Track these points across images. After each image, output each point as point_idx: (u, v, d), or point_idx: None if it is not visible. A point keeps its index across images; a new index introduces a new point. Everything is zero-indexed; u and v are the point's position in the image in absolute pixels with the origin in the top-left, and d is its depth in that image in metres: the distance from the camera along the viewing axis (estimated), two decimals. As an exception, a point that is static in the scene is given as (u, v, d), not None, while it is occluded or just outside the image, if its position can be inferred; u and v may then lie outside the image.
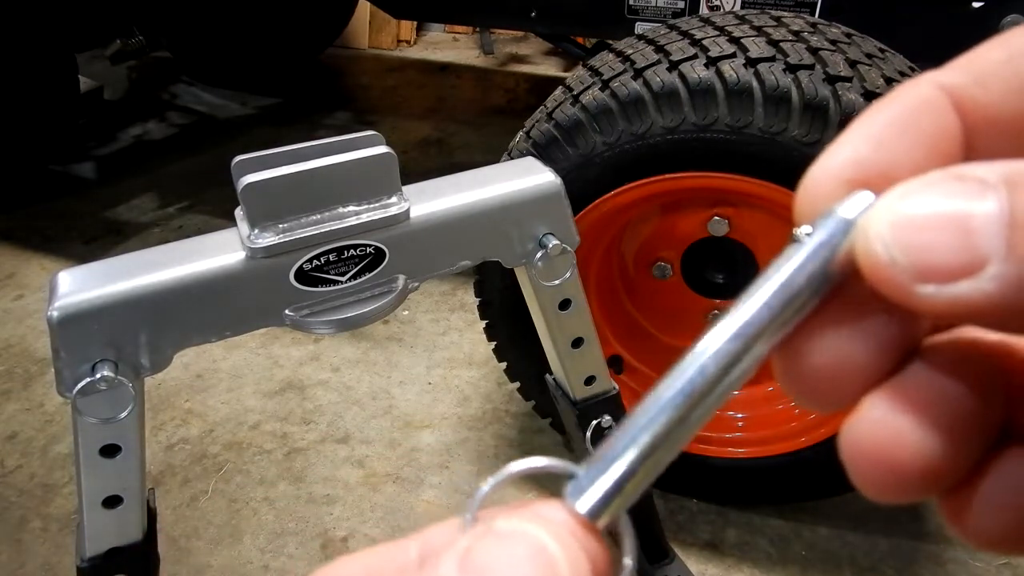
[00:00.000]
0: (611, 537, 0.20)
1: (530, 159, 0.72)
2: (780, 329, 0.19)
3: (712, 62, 0.94)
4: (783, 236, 1.12)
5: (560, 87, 1.10)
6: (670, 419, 0.19)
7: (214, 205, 2.32)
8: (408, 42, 3.88)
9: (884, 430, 0.18)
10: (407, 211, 0.62)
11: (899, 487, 0.19)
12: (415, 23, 3.87)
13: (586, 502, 0.19)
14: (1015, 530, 0.18)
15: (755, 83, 0.92)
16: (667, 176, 0.99)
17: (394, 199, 0.61)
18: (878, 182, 0.19)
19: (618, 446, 0.19)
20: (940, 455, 0.18)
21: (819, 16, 1.35)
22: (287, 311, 0.61)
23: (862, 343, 0.19)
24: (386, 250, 0.62)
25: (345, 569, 0.20)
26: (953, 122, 0.19)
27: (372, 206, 0.61)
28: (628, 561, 0.19)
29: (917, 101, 0.19)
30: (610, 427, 0.90)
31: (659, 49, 1.00)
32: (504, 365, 1.23)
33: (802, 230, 0.19)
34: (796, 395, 0.20)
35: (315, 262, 0.60)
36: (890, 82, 0.92)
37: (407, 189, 0.64)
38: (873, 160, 0.19)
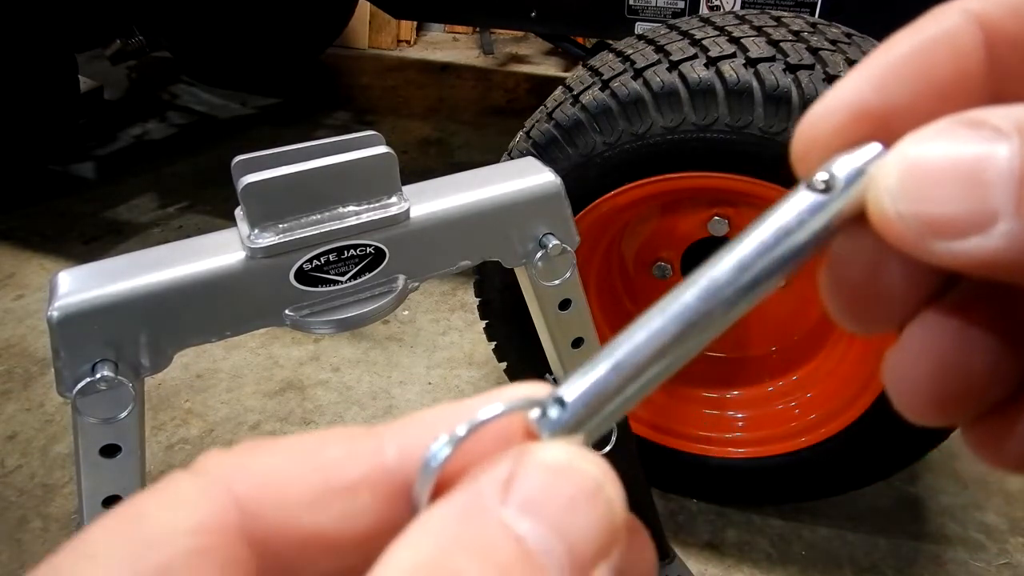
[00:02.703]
0: None
1: (530, 159, 0.72)
2: (786, 268, 0.19)
3: (712, 62, 0.94)
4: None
5: (560, 87, 1.10)
6: (666, 346, 0.18)
7: (214, 205, 2.32)
8: (408, 42, 3.88)
9: (922, 357, 0.18)
10: (407, 211, 0.62)
11: (936, 412, 0.18)
12: (415, 23, 3.87)
13: (577, 424, 0.18)
14: None
15: (755, 83, 0.92)
16: (667, 176, 0.99)
17: (394, 199, 0.61)
18: (876, 127, 0.18)
19: (604, 367, 0.18)
20: (976, 380, 0.18)
21: (819, 16, 1.35)
22: (287, 311, 0.61)
23: (900, 266, 0.18)
24: (386, 250, 0.62)
25: (289, 462, 0.17)
26: (977, 61, 0.17)
27: (372, 206, 0.61)
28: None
29: (939, 35, 0.17)
30: (610, 427, 0.90)
31: (659, 49, 1.00)
32: (504, 365, 1.23)
33: (819, 177, 0.18)
34: (838, 314, 0.20)
35: (315, 262, 0.60)
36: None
37: (407, 189, 0.64)
38: (872, 104, 0.18)
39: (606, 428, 0.18)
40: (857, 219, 0.18)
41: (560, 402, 0.18)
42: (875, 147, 0.18)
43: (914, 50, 0.18)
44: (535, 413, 0.18)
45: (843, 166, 0.18)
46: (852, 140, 0.18)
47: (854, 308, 0.19)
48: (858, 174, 0.18)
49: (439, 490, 0.17)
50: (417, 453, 0.17)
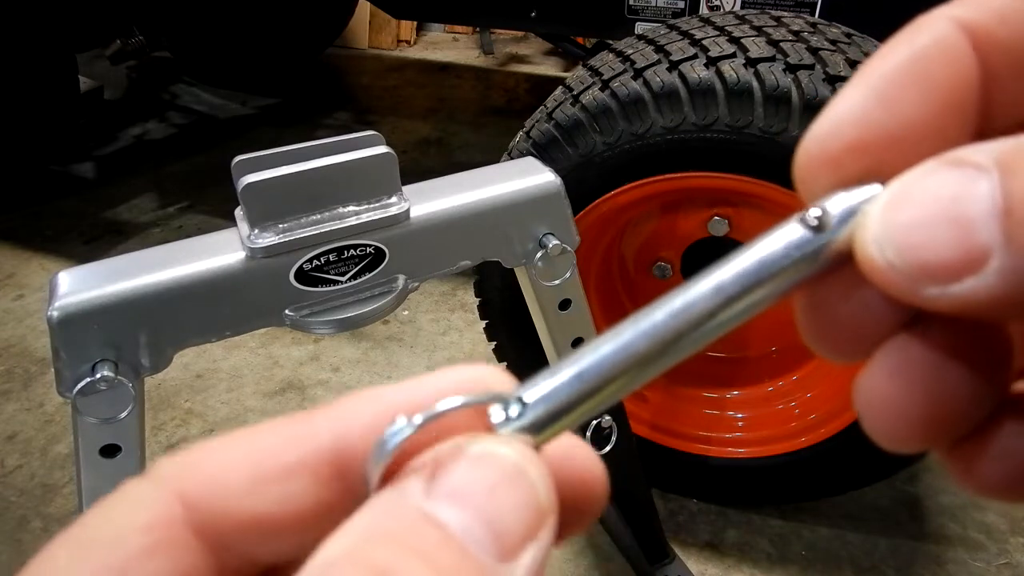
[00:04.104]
0: None
1: (530, 159, 0.72)
2: (765, 299, 0.18)
3: (712, 62, 0.94)
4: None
5: (560, 87, 1.10)
6: (622, 363, 0.18)
7: (214, 205, 2.32)
8: (408, 42, 3.88)
9: (894, 383, 0.18)
10: (407, 211, 0.62)
11: (909, 438, 0.18)
12: (415, 23, 3.87)
13: (535, 426, 0.18)
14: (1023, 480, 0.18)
15: (755, 83, 0.92)
16: (667, 176, 0.99)
17: (394, 199, 0.61)
18: (885, 144, 0.17)
19: (567, 374, 0.18)
20: (950, 407, 0.17)
21: (819, 16, 1.35)
22: (287, 311, 0.61)
23: (876, 295, 0.18)
24: (386, 250, 0.62)
25: (228, 454, 0.18)
26: (970, 67, 0.17)
27: (372, 206, 0.61)
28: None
29: (930, 43, 0.17)
30: (610, 427, 0.90)
31: (659, 49, 1.00)
32: (504, 365, 1.23)
33: (811, 213, 0.18)
34: (815, 344, 0.20)
35: (315, 262, 0.60)
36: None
37: (407, 189, 0.64)
38: (880, 120, 0.17)
39: (565, 431, 0.18)
40: (843, 256, 0.18)
41: (520, 402, 0.18)
42: (874, 188, 0.17)
43: (910, 60, 0.17)
44: (496, 413, 0.18)
45: (838, 205, 0.18)
46: (861, 159, 0.18)
47: (830, 336, 0.19)
48: (852, 215, 0.17)
49: (393, 475, 0.17)
50: (350, 435, 0.18)
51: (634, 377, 0.18)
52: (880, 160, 0.17)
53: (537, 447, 0.18)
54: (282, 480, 0.17)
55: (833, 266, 0.18)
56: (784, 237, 0.18)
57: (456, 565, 0.15)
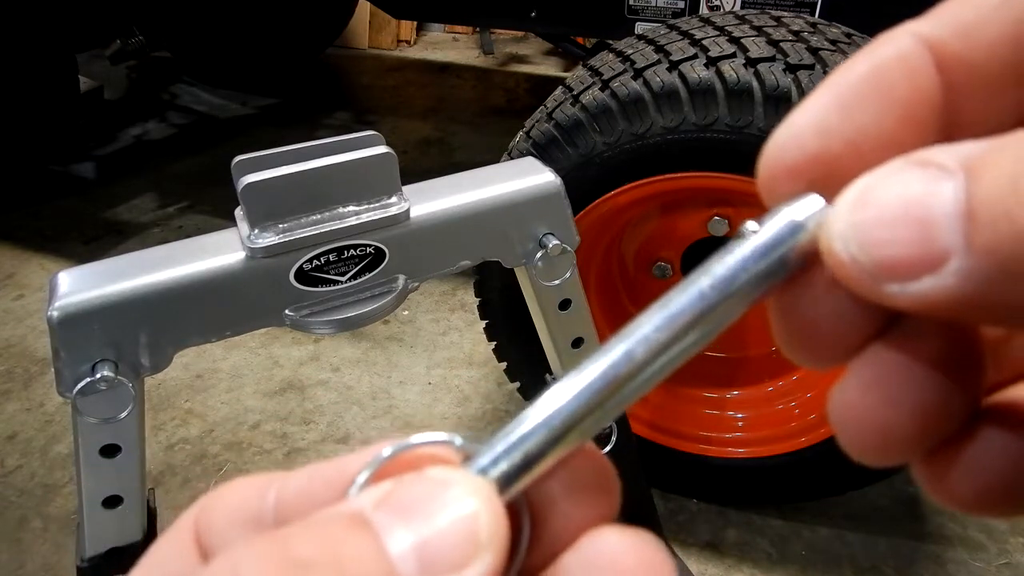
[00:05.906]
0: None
1: (530, 159, 0.72)
2: (717, 321, 0.19)
3: (712, 62, 0.94)
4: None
5: (560, 87, 1.10)
6: (588, 402, 0.19)
7: (214, 205, 2.32)
8: (408, 42, 3.88)
9: (869, 396, 0.18)
10: (407, 211, 0.62)
11: (884, 452, 0.18)
12: (415, 23, 3.87)
13: (496, 474, 0.18)
14: (995, 494, 0.18)
15: (755, 83, 0.92)
16: (667, 176, 0.99)
17: (394, 199, 0.61)
18: (843, 153, 0.18)
19: (532, 423, 0.19)
20: (924, 419, 0.17)
21: (819, 16, 1.35)
22: (287, 311, 0.61)
23: (848, 302, 0.18)
24: (386, 250, 0.62)
25: (223, 495, 0.20)
26: (931, 82, 0.17)
27: (372, 206, 0.61)
28: (525, 537, 0.19)
29: (892, 58, 0.18)
30: (610, 427, 0.90)
31: (659, 49, 1.00)
32: (504, 365, 1.23)
33: (748, 226, 0.18)
34: (790, 350, 0.20)
35: (315, 262, 0.60)
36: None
37: (407, 189, 0.64)
38: (838, 129, 0.18)
39: (537, 475, 0.19)
40: (805, 259, 0.18)
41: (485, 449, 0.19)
42: (816, 199, 0.18)
43: (871, 72, 0.18)
44: (462, 456, 0.19)
45: (779, 218, 0.18)
46: (819, 169, 0.18)
47: (804, 344, 0.19)
48: (794, 227, 0.18)
49: None
50: (287, 495, 0.20)
51: (590, 424, 0.19)
52: (838, 171, 0.18)
53: (506, 495, 0.18)
54: (247, 524, 0.20)
55: (790, 273, 0.18)
56: (729, 256, 0.18)
57: (361, 561, 0.16)
